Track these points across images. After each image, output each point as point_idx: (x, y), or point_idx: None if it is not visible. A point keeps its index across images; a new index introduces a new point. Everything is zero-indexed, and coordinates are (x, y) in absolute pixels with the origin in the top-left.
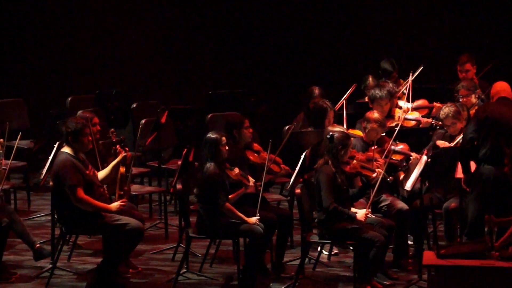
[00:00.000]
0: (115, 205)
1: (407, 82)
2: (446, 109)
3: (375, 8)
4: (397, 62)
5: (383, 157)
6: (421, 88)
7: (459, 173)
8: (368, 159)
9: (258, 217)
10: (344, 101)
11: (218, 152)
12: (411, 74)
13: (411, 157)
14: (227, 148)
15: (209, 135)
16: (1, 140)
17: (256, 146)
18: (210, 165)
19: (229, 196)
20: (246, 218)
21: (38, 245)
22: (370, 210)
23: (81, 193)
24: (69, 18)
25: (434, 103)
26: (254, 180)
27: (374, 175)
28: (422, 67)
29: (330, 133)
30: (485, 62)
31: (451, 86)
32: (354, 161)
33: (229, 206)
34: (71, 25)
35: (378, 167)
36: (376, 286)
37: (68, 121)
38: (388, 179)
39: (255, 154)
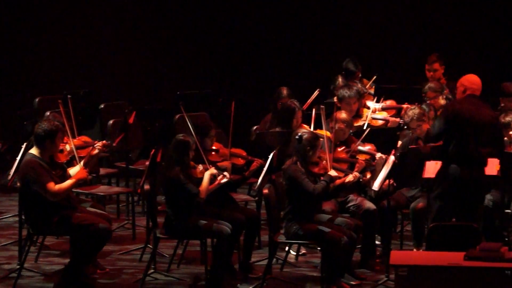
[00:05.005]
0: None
1: (371, 81)
2: (410, 112)
3: (343, 8)
4: (361, 63)
5: (348, 156)
6: (389, 88)
7: (427, 173)
8: (336, 159)
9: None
10: (311, 102)
11: (186, 156)
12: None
13: (376, 157)
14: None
15: (179, 137)
16: None
17: (215, 144)
18: (173, 168)
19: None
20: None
21: None
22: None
23: (53, 187)
24: (36, 18)
25: (402, 105)
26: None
27: (351, 178)
28: (375, 77)
29: (299, 134)
30: (454, 62)
31: (419, 86)
32: (324, 161)
33: (203, 189)
34: (38, 25)
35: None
36: (343, 286)
37: (41, 122)
38: (361, 180)
39: (216, 155)
